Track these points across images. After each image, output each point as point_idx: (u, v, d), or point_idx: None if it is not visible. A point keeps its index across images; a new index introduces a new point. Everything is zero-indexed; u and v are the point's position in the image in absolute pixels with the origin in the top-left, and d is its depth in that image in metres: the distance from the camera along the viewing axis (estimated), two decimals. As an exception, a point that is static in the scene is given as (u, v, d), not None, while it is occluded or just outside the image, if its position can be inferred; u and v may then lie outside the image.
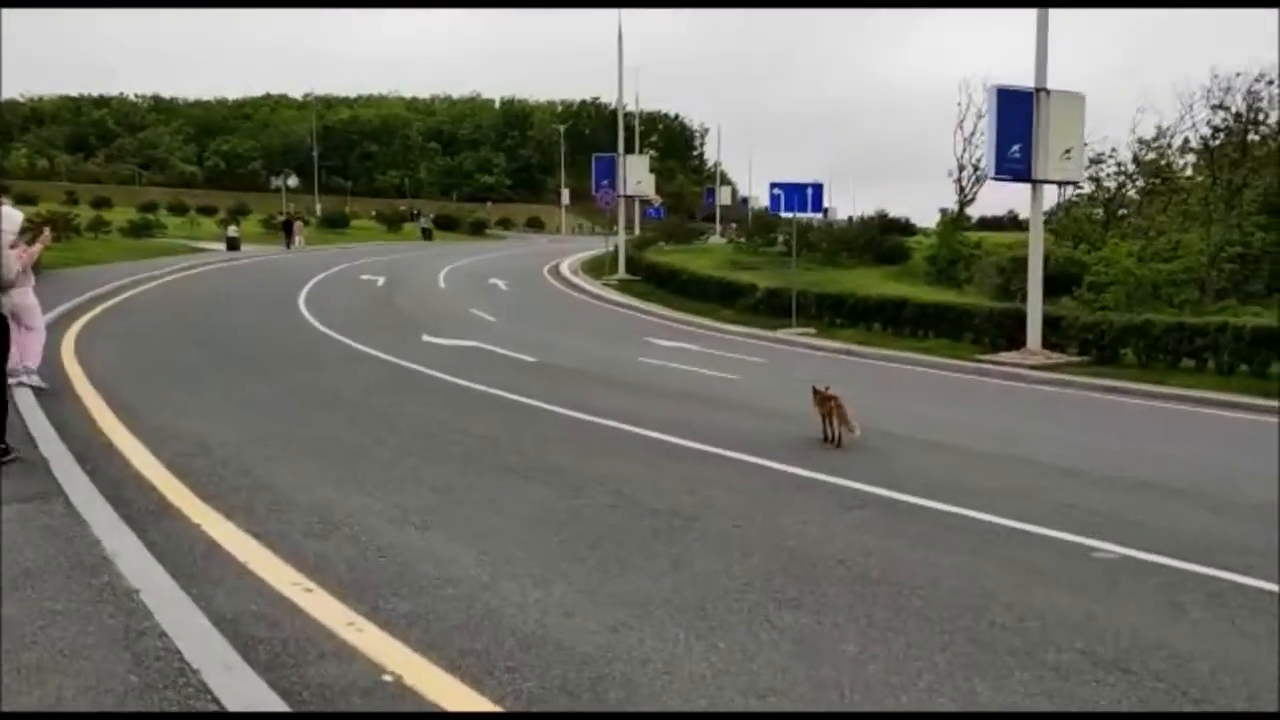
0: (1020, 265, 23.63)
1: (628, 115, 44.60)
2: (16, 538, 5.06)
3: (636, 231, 51.89)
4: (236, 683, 3.50)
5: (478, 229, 78.85)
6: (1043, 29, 17.52)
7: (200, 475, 6.85)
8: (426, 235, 66.93)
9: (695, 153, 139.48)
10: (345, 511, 6.08)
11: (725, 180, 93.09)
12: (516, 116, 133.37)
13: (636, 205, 49.52)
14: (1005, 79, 19.49)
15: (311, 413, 9.96)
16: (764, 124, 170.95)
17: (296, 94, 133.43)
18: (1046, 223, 21.47)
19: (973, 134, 51.50)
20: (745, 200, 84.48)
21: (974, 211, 60.50)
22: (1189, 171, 36.36)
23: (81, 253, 32.85)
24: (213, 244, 45.47)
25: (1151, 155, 36.25)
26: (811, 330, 21.72)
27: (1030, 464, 8.70)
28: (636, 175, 39.99)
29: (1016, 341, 17.90)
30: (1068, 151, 18.00)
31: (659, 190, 57.84)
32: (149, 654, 3.69)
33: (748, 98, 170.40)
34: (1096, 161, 35.76)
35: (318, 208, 74.54)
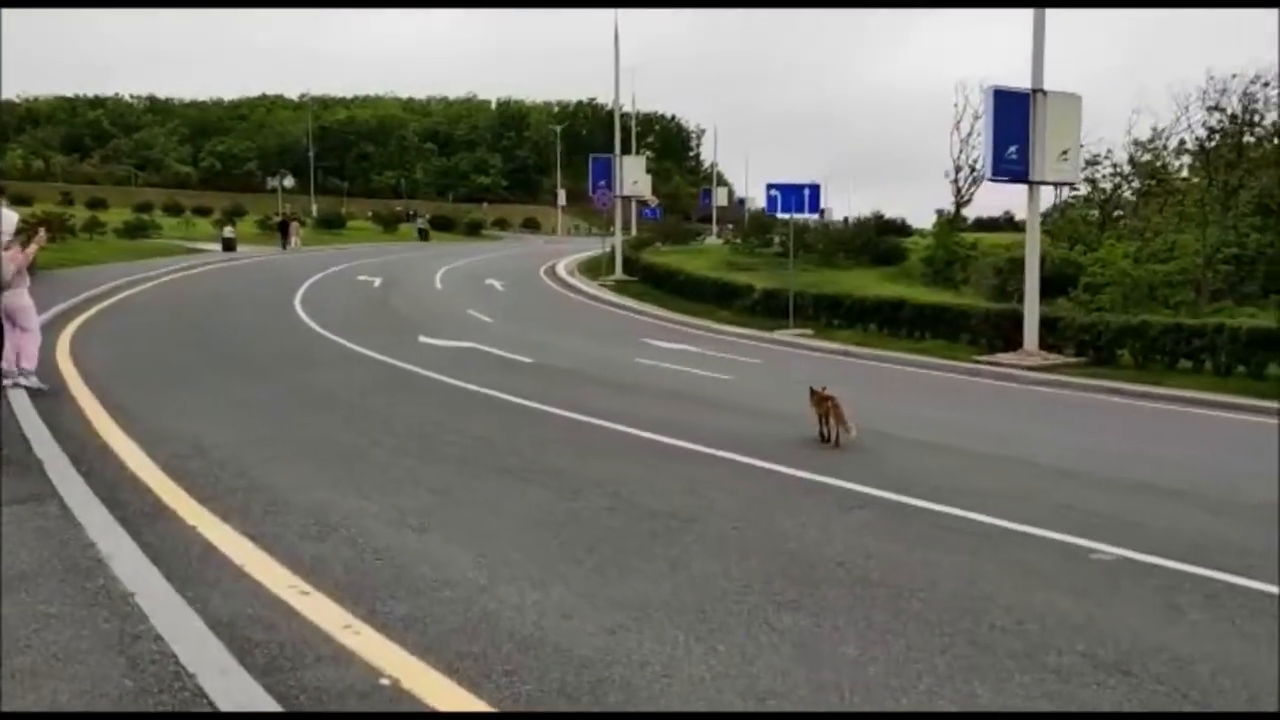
0: (1017, 266, 23.65)
1: (624, 116, 44.53)
2: (11, 540, 5.03)
3: (633, 232, 51.88)
4: (233, 687, 3.48)
5: (474, 230, 78.79)
6: (1039, 30, 17.52)
7: (196, 477, 6.83)
8: (423, 236, 66.89)
9: (692, 153, 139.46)
10: (342, 513, 6.06)
11: (722, 181, 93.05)
12: (513, 117, 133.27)
13: (633, 206, 49.50)
14: (1001, 80, 19.52)
15: (308, 414, 9.93)
16: (760, 125, 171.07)
17: (292, 94, 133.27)
18: (1042, 224, 21.43)
19: (969, 135, 51.74)
20: (742, 201, 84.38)
21: (970, 212, 60.77)
22: (1184, 173, 36.39)
23: (76, 253, 32.75)
24: (208, 245, 45.35)
25: (1147, 156, 36.28)
26: (809, 331, 21.71)
27: (1028, 465, 8.70)
28: (633, 176, 39.95)
29: (1013, 342, 17.90)
30: (1064, 152, 18.00)
31: (655, 191, 57.80)
32: (144, 658, 3.66)
33: (744, 99, 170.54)
34: (1092, 163, 35.82)
35: (314, 208, 74.38)
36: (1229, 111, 33.04)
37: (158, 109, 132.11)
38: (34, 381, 10.10)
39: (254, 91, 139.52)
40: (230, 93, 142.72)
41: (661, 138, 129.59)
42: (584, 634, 4.26)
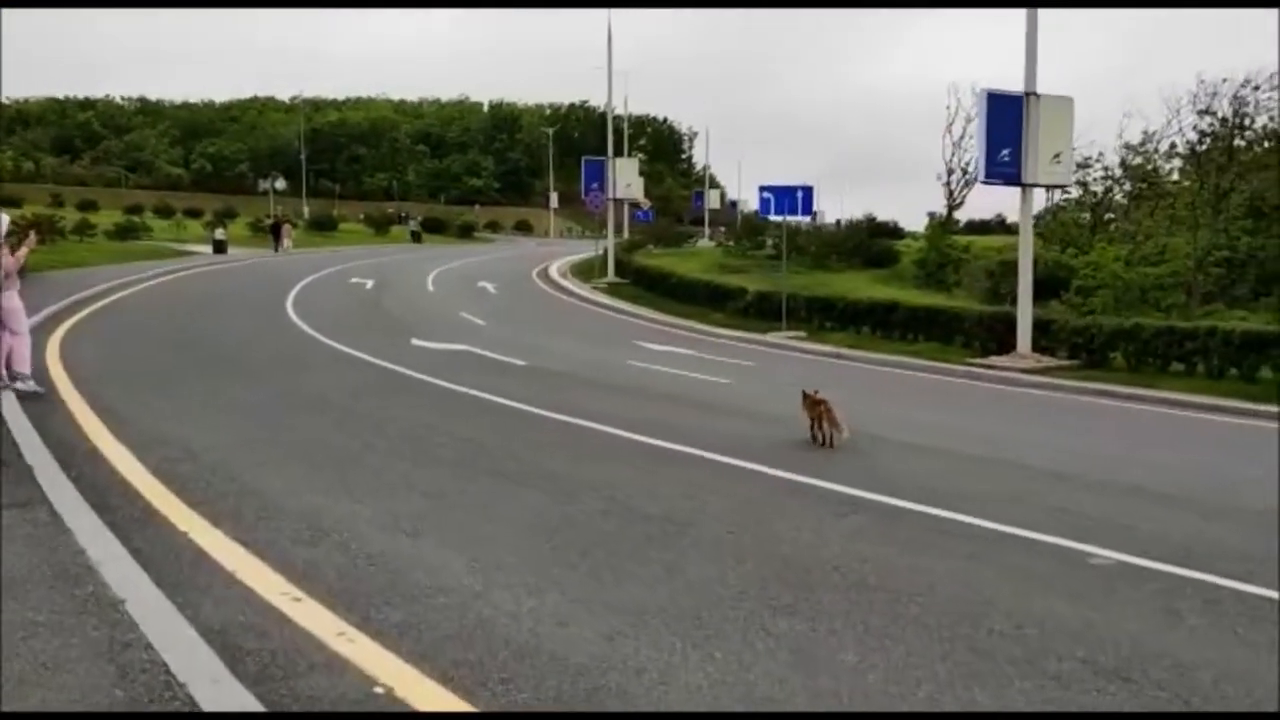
0: (1009, 269, 23.68)
1: (617, 118, 44.52)
2: None
3: (625, 235, 51.80)
4: (224, 696, 3.43)
5: (466, 232, 78.67)
6: (1032, 32, 17.55)
7: (187, 481, 6.76)
8: (416, 238, 66.81)
9: (684, 156, 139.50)
10: (334, 518, 6.00)
11: (714, 183, 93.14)
12: (505, 119, 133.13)
13: (625, 208, 49.44)
14: (992, 83, 19.47)
15: (300, 417, 9.86)
16: (753, 128, 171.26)
17: (284, 96, 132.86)
18: (1034, 227, 21.48)
19: (961, 137, 51.74)
20: (734, 203, 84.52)
21: (962, 215, 60.77)
22: (1175, 176, 36.54)
23: (67, 255, 32.58)
24: (199, 247, 45.21)
25: (1138, 160, 36.40)
26: (801, 333, 21.70)
27: (1021, 468, 8.68)
28: (626, 178, 39.98)
29: (1006, 345, 17.91)
30: (1057, 155, 18.02)
31: (648, 193, 57.84)
32: (134, 666, 3.61)
33: (736, 101, 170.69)
34: (1084, 166, 35.86)
35: (305, 210, 74.24)
36: (1219, 115, 33.19)
37: (148, 110, 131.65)
38: (30, 385, 10.05)
39: (245, 93, 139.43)
40: (221, 94, 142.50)
41: (654, 140, 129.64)
42: (580, 641, 4.21)
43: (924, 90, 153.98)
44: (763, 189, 24.77)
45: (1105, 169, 37.62)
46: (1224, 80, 32.75)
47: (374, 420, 9.60)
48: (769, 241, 42.91)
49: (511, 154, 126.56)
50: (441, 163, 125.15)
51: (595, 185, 39.39)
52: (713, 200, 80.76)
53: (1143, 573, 5.48)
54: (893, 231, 55.27)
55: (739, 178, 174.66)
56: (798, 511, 6.63)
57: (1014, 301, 18.93)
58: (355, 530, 5.76)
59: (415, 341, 17.03)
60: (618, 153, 41.26)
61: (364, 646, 4.06)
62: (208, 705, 3.33)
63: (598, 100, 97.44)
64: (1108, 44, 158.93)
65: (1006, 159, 17.60)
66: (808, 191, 24.28)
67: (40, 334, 14.26)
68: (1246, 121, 33.70)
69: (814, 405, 9.03)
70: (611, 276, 35.71)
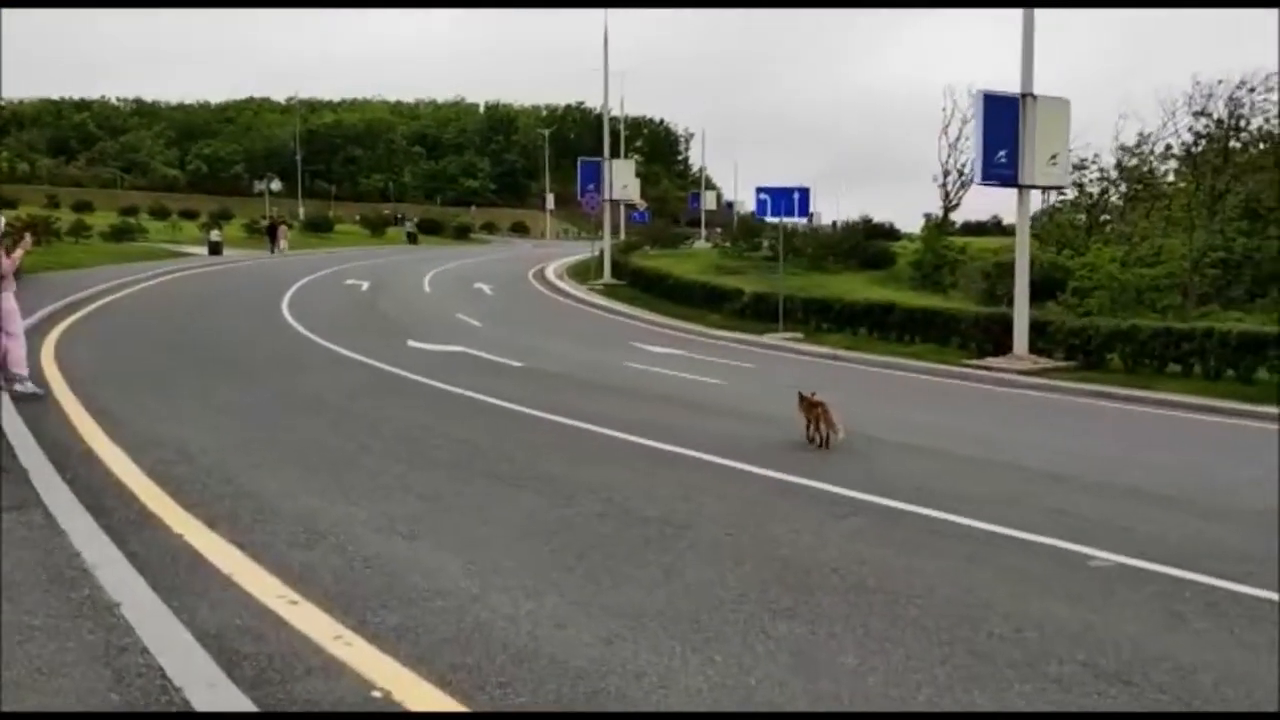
0: (1005, 270, 23.70)
1: (613, 119, 44.54)
2: (-6, 549, 4.94)
3: (621, 236, 51.82)
4: (220, 701, 3.40)
5: (462, 233, 78.67)
6: (1029, 33, 17.56)
7: (182, 483, 6.73)
8: (412, 239, 66.82)
9: (680, 157, 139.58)
10: (331, 520, 5.98)
11: (710, 185, 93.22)
12: (501, 121, 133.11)
13: (621, 210, 49.44)
14: (987, 85, 19.52)
15: (296, 418, 9.83)
16: (749, 129, 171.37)
17: (280, 98, 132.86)
18: (1030, 228, 21.49)
19: (957, 139, 51.84)
20: (730, 205, 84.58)
21: (958, 216, 60.89)
22: (1171, 177, 36.60)
23: (62, 257, 32.51)
24: (195, 248, 45.16)
25: (1134, 161, 36.47)
26: (799, 335, 21.69)
27: (1018, 469, 8.68)
28: (622, 180, 39.97)
29: (1003, 346, 17.91)
30: (1054, 157, 18.04)
31: (644, 195, 57.90)
32: (130, 671, 3.58)
33: (733, 102, 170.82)
34: (1080, 167, 35.92)
35: (301, 212, 74.13)
36: (1215, 117, 33.25)
37: (144, 112, 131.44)
38: (29, 386, 10.03)
39: (241, 95, 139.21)
40: (217, 96, 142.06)
41: (650, 141, 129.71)
42: (579, 644, 4.19)
43: (921, 91, 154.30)
44: (760, 190, 24.76)
45: (1101, 170, 37.74)
46: (1219, 82, 32.88)
47: (370, 422, 9.57)
48: (765, 243, 42.94)
49: (507, 155, 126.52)
50: (437, 164, 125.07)
51: (591, 186, 39.39)
52: (709, 201, 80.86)
53: (1141, 574, 5.47)
54: (889, 233, 55.32)
55: (735, 179, 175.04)
56: (796, 513, 6.61)
57: (1010, 303, 18.93)
58: (352, 532, 5.73)
59: (411, 343, 17.00)
60: (614, 154, 41.31)
61: (361, 650, 4.03)
62: (203, 709, 3.31)
63: (594, 101, 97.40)
64: (1103, 46, 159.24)
65: (1003, 160, 17.61)
66: (804, 193, 24.27)
67: (35, 336, 14.20)
68: (1242, 123, 33.78)
69: (811, 407, 9.03)
70: (608, 278, 35.69)
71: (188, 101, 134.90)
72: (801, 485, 7.41)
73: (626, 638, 4.27)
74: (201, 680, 3.52)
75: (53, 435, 8.09)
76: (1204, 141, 33.62)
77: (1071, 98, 18.52)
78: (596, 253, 38.76)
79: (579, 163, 42.23)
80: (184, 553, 5.25)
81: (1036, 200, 31.32)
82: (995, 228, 66.05)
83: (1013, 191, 18.38)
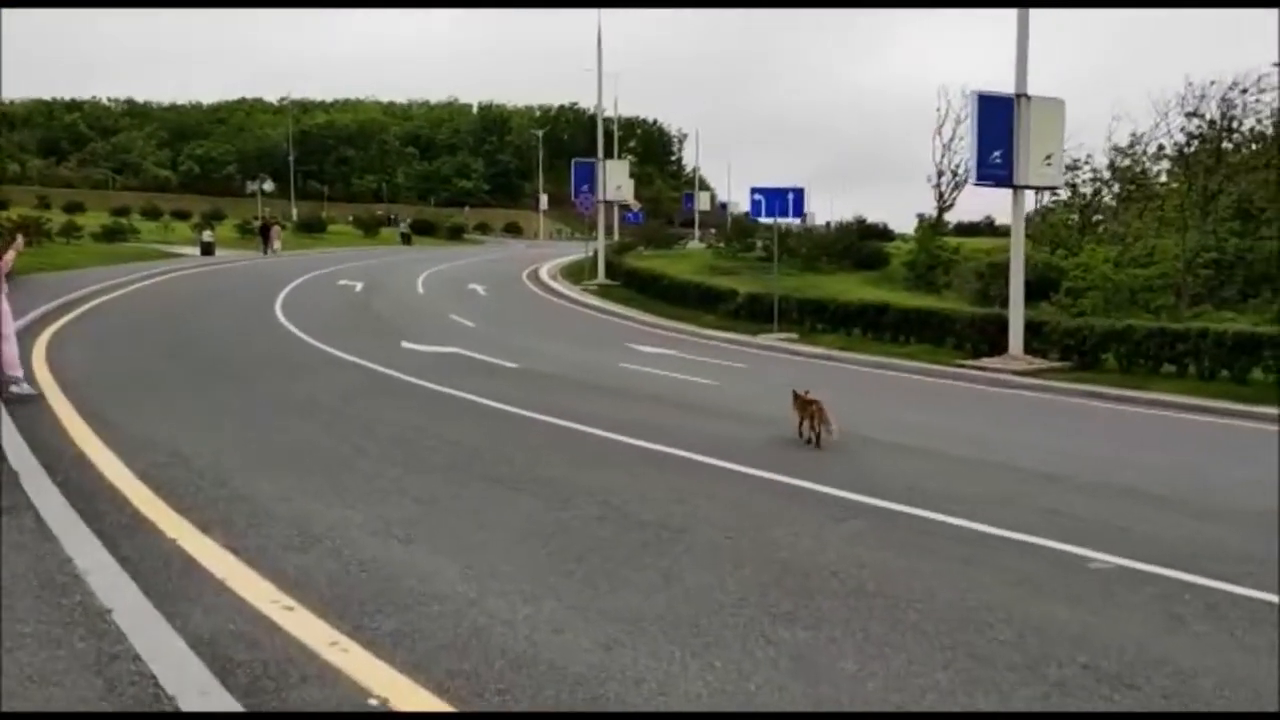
0: (999, 270, 23.72)
1: (606, 120, 44.48)
2: (-16, 554, 4.88)
3: (615, 237, 51.81)
4: (214, 709, 3.36)
5: (455, 234, 78.60)
6: (1023, 34, 17.55)
7: (175, 486, 6.67)
8: (406, 240, 66.74)
9: (674, 158, 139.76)
10: (326, 524, 5.92)
11: (704, 185, 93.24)
12: (494, 121, 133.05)
13: (615, 210, 49.38)
14: (981, 85, 19.54)
15: (290, 421, 9.77)
16: (742, 129, 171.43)
17: (272, 98, 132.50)
18: (1024, 228, 21.50)
19: (951, 140, 51.93)
20: (724, 205, 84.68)
21: (951, 217, 61.04)
22: (1164, 178, 36.64)
23: (53, 258, 32.33)
24: (187, 249, 44.97)
25: (1127, 162, 36.49)
26: (793, 335, 21.68)
27: (1013, 470, 8.66)
28: (616, 180, 39.90)
29: (998, 347, 17.91)
30: (1048, 157, 18.03)
31: (637, 195, 57.81)
32: (122, 679, 3.53)
33: (726, 103, 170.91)
34: (1073, 168, 35.96)
35: (294, 213, 74.02)
36: (1208, 118, 33.29)
37: (136, 112, 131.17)
38: (23, 388, 9.97)
39: (233, 95, 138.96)
40: (209, 96, 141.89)
41: (644, 142, 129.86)
42: (577, 650, 4.15)
43: (915, 91, 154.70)
44: (754, 190, 24.72)
45: (1094, 171, 37.79)
46: (1212, 83, 32.90)
47: (364, 423, 9.52)
48: (759, 243, 42.94)
49: (501, 156, 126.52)
50: (431, 165, 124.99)
51: (585, 187, 39.30)
52: (703, 202, 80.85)
53: (1140, 576, 5.45)
54: (882, 233, 55.39)
55: (728, 179, 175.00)
56: (795, 516, 6.58)
57: (1004, 303, 18.92)
58: (347, 536, 5.68)
59: (405, 344, 16.94)
60: (607, 154, 41.22)
61: (357, 656, 3.99)
62: (196, 711, 3.26)
63: (587, 102, 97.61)
64: (1096, 46, 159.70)
65: (998, 161, 17.61)
66: (798, 193, 24.26)
67: (27, 337, 14.12)
68: (1234, 124, 33.82)
69: (805, 406, 9.03)
70: (602, 278, 35.64)
71: (180, 102, 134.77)
72: (799, 487, 7.38)
73: (625, 643, 4.23)
74: (194, 688, 3.47)
75: (44, 438, 8.01)
76: (1196, 142, 33.64)
77: (1064, 98, 18.55)
78: (590, 253, 38.73)
79: (573, 163, 42.12)
80: (177, 557, 5.19)
81: (1030, 201, 31.37)
82: (988, 228, 66.23)
83: (1006, 192, 18.37)
